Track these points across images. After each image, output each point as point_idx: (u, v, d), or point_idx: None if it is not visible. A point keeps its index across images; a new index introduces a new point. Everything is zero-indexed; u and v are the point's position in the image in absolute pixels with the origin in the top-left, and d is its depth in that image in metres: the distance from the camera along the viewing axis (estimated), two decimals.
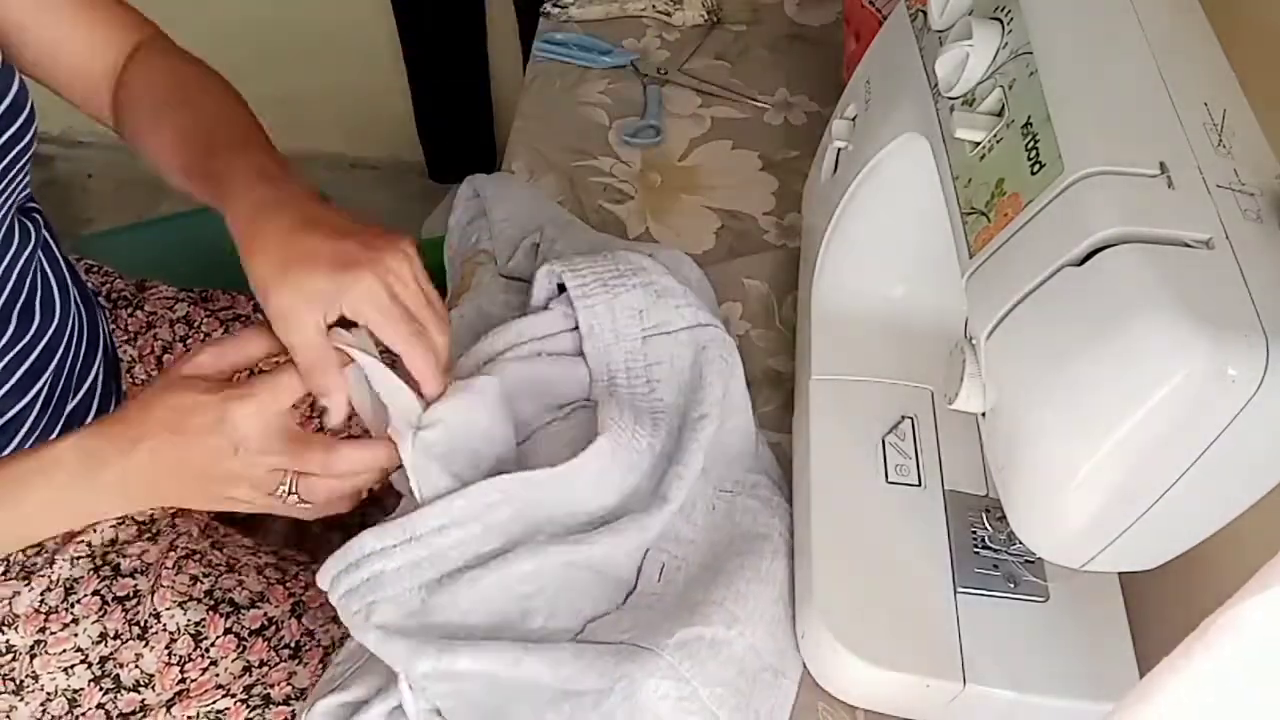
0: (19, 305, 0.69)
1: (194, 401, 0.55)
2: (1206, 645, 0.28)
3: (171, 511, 0.77)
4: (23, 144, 0.66)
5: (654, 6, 1.05)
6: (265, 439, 0.55)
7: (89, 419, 0.75)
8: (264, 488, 0.57)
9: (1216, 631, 0.28)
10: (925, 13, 0.61)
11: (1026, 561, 0.61)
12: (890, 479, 0.65)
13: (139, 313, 0.88)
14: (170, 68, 0.72)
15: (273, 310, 0.56)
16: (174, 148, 0.67)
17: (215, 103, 0.70)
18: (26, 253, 0.70)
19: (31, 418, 0.70)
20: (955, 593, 0.60)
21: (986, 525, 0.63)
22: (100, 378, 0.77)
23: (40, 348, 0.70)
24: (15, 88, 0.65)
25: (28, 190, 0.71)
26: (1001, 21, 0.54)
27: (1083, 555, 0.49)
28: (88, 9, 0.71)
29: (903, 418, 0.68)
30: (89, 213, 2.08)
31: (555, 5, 1.05)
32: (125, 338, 0.86)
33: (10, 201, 0.67)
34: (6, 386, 0.68)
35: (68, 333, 0.74)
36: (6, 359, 0.68)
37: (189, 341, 0.86)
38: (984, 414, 0.50)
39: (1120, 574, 0.62)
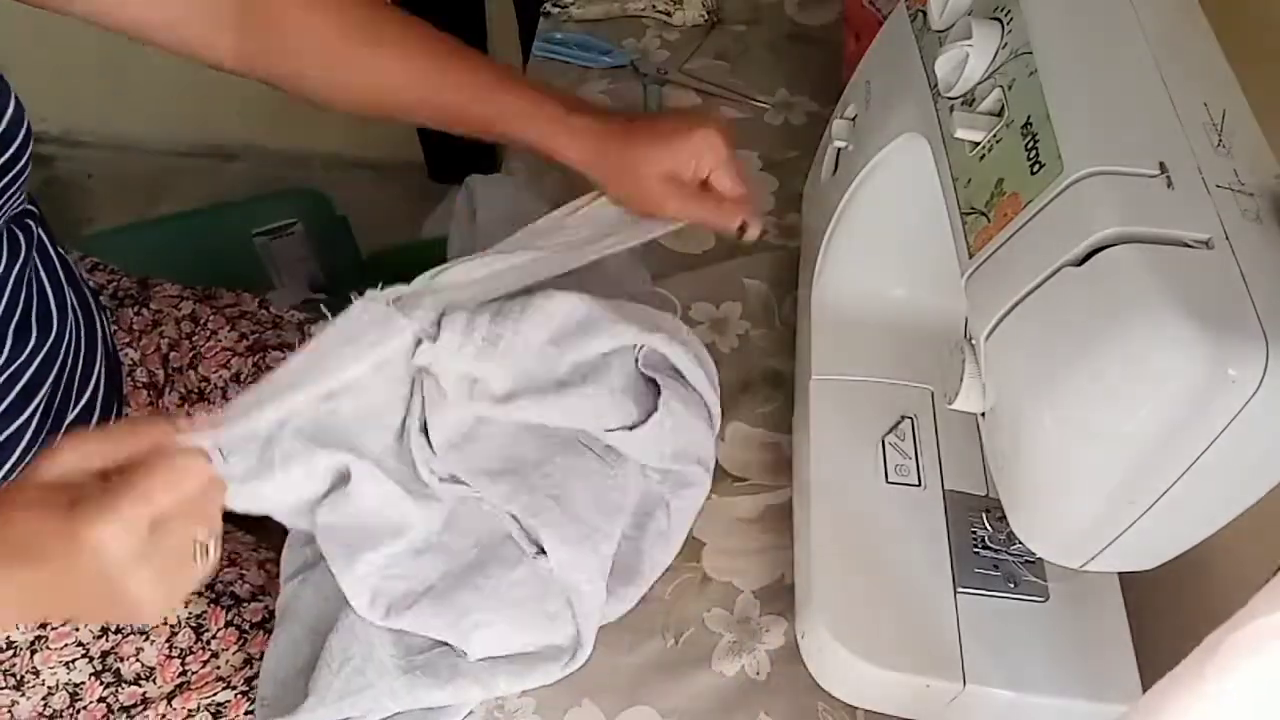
0: (14, 322, 0.68)
1: (39, 527, 0.45)
2: (1219, 666, 0.27)
3: None
4: (20, 165, 0.65)
5: (654, 6, 1.05)
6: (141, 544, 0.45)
7: (90, 428, 0.75)
8: (175, 570, 0.48)
9: (1230, 651, 0.28)
10: (925, 13, 0.61)
11: (1026, 561, 0.61)
12: (890, 479, 0.65)
13: (145, 311, 0.87)
14: (343, 10, 0.71)
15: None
16: (402, 82, 0.71)
17: (419, 33, 0.72)
18: (19, 265, 0.69)
19: (30, 432, 0.70)
20: (955, 593, 0.60)
21: (986, 525, 0.63)
22: (100, 385, 0.77)
23: (38, 363, 0.70)
24: (11, 106, 0.64)
25: (22, 205, 0.70)
26: (1001, 21, 0.54)
27: (1083, 555, 0.49)
28: None
29: (903, 418, 0.68)
30: (89, 213, 2.08)
31: (555, 5, 1.05)
32: (129, 338, 0.86)
33: (5, 215, 0.67)
34: (4, 404, 0.68)
35: (65, 344, 0.73)
36: (3, 377, 0.67)
37: (195, 339, 0.86)
38: (984, 414, 0.50)
39: (1120, 574, 0.62)
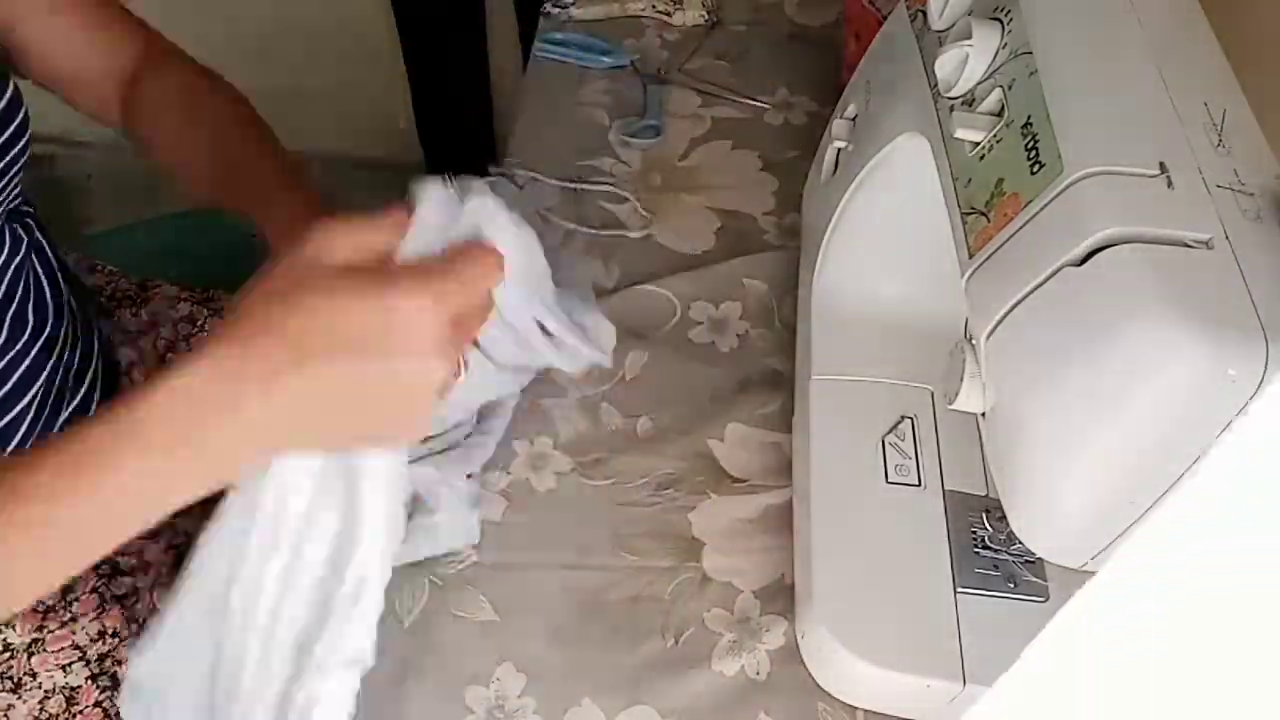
0: (10, 312, 0.68)
1: (356, 304, 0.42)
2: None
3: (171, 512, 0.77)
4: (13, 152, 0.66)
5: (654, 6, 1.05)
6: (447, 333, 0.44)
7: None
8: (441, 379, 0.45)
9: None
10: (925, 13, 0.61)
11: (1026, 561, 0.61)
12: (890, 479, 0.65)
13: (142, 312, 0.88)
14: (185, 80, 0.72)
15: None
16: (198, 160, 0.67)
17: (232, 115, 0.70)
18: (17, 259, 0.69)
19: (26, 423, 0.70)
20: (955, 593, 0.60)
21: (986, 525, 0.63)
22: (97, 384, 0.77)
23: (33, 354, 0.70)
24: (9, 95, 0.65)
25: (19, 199, 0.71)
26: (1001, 21, 0.54)
27: (1083, 555, 0.49)
28: (96, 14, 0.71)
29: (903, 418, 0.68)
30: (89, 213, 2.08)
31: (555, 5, 1.05)
32: (124, 338, 0.86)
33: (2, 210, 0.67)
34: (0, 392, 0.68)
35: (61, 337, 0.73)
36: (0, 365, 0.68)
37: (191, 341, 0.86)
38: (984, 414, 0.50)
39: None
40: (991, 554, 0.62)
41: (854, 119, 0.72)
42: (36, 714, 0.70)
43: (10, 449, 0.70)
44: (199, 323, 0.88)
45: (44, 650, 0.70)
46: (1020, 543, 0.57)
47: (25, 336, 0.70)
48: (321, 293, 0.42)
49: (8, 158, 0.66)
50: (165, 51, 0.73)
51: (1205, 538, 0.22)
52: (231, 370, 0.41)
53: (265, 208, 0.60)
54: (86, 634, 0.71)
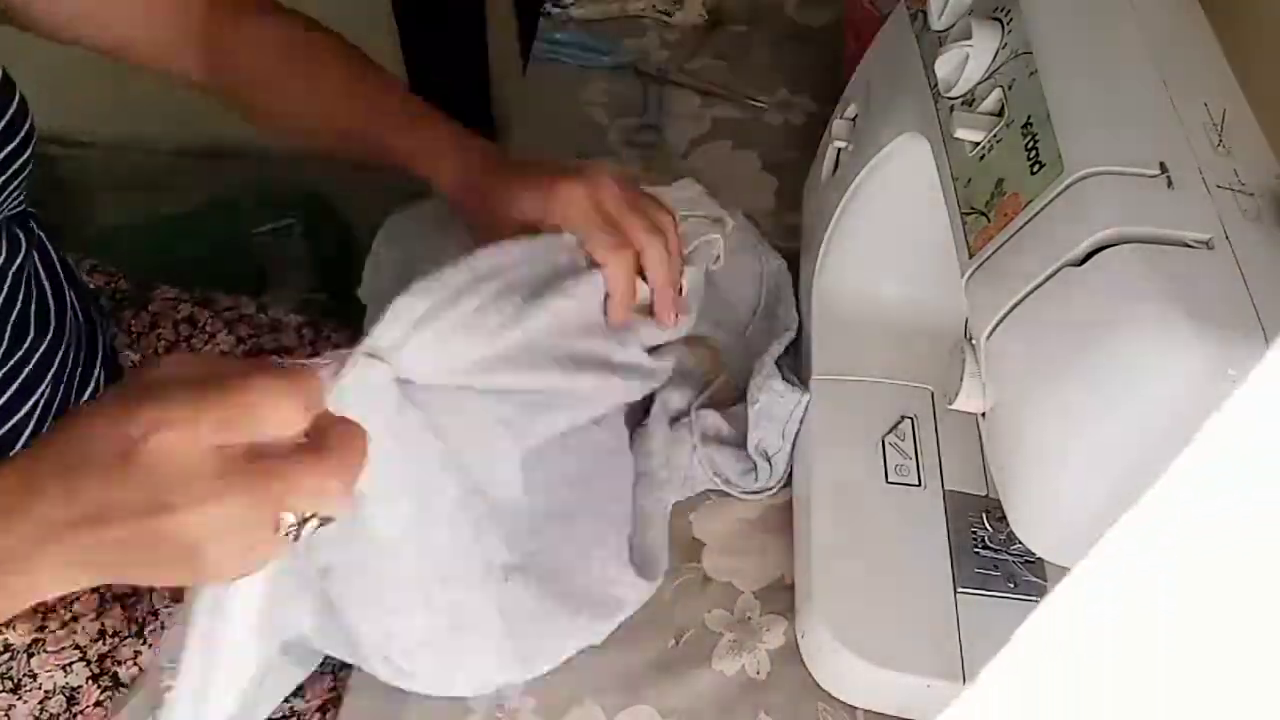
0: (13, 317, 0.68)
1: (94, 428, 0.38)
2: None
3: None
4: (19, 162, 0.65)
5: (654, 6, 1.05)
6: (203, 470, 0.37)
7: None
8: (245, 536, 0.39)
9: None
10: (925, 13, 0.61)
11: (1026, 561, 0.61)
12: (890, 479, 0.65)
13: (143, 313, 0.87)
14: (276, 27, 0.72)
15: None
16: (312, 111, 0.71)
17: (339, 52, 0.73)
18: (17, 263, 0.69)
19: (30, 427, 0.70)
20: (955, 593, 0.60)
21: (986, 525, 0.63)
22: (101, 387, 0.77)
23: (36, 359, 0.70)
24: (15, 102, 0.65)
25: (23, 204, 0.71)
26: (1001, 21, 0.54)
27: (1082, 555, 0.49)
28: None
29: (903, 418, 0.68)
30: (89, 213, 2.08)
31: (555, 5, 1.05)
32: (128, 340, 0.86)
33: (3, 214, 0.67)
34: (3, 398, 0.68)
35: (65, 342, 0.73)
36: (3, 371, 0.67)
37: (193, 342, 0.86)
38: (984, 414, 0.50)
39: None
40: (991, 554, 0.62)
41: (854, 119, 0.72)
42: (37, 714, 0.70)
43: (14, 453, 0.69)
44: (199, 324, 0.87)
45: (44, 651, 0.70)
46: (1020, 543, 0.57)
47: (30, 340, 0.69)
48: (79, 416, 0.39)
49: (15, 165, 0.65)
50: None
51: (1189, 526, 0.22)
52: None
53: (407, 140, 0.67)
54: (87, 634, 0.71)
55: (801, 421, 0.68)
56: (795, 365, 0.74)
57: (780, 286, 0.78)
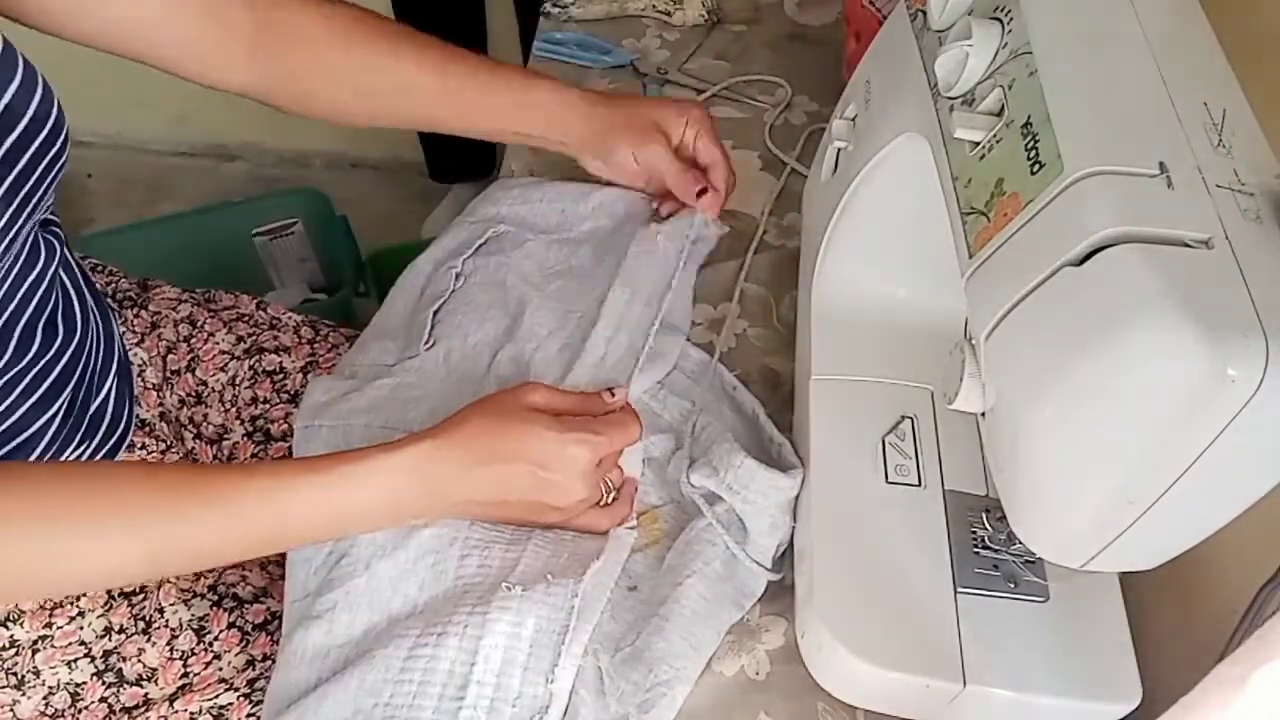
0: (43, 320, 0.68)
1: (541, 436, 0.62)
2: (1206, 700, 0.27)
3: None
4: (50, 156, 0.64)
5: (654, 6, 1.05)
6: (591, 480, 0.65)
7: (104, 425, 0.75)
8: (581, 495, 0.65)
9: (1219, 685, 0.27)
10: (925, 13, 0.61)
11: (1026, 561, 0.61)
12: (890, 479, 0.65)
13: (144, 313, 0.87)
14: (332, 22, 0.75)
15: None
16: (421, 82, 0.77)
17: (402, 36, 0.78)
18: (52, 269, 0.69)
19: (54, 429, 0.70)
20: (955, 593, 0.60)
21: (986, 525, 0.63)
22: (115, 383, 0.77)
23: (64, 361, 0.70)
24: (55, 110, 0.63)
25: (51, 209, 0.70)
26: (1001, 21, 0.54)
27: (1083, 555, 0.49)
28: None
29: (903, 418, 0.68)
30: (89, 213, 2.08)
31: (555, 5, 1.05)
32: (134, 339, 0.86)
33: (36, 218, 0.66)
34: (32, 400, 0.67)
35: (88, 342, 0.73)
36: (32, 373, 0.67)
37: (193, 341, 0.86)
38: (984, 414, 0.50)
39: (1120, 574, 0.62)
40: (991, 554, 0.62)
41: (854, 119, 0.72)
42: (41, 710, 0.70)
43: (36, 454, 0.69)
44: (199, 324, 0.87)
45: (50, 646, 0.70)
46: (1020, 543, 0.58)
47: (56, 345, 0.69)
48: (509, 416, 0.63)
49: (55, 170, 0.64)
50: None
51: None
52: (432, 462, 0.61)
53: (527, 112, 0.78)
54: (93, 630, 0.71)
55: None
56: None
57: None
